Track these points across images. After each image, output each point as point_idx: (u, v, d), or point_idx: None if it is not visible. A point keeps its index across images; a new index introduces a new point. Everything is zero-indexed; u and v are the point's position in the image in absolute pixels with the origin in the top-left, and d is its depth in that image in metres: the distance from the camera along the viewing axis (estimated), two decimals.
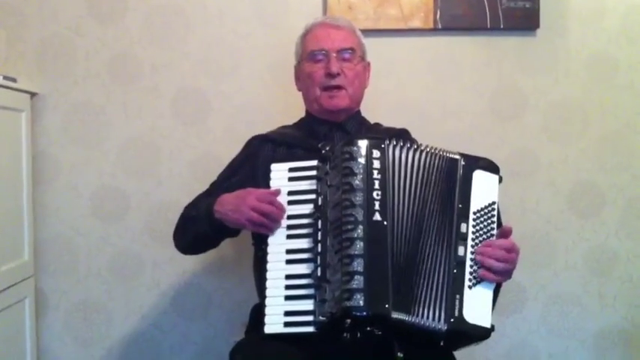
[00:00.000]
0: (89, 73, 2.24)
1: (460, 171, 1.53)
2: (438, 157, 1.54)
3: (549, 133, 2.30)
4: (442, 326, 1.43)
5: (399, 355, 1.41)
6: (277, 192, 1.57)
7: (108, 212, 2.27)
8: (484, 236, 1.50)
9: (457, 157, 1.55)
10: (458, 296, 1.45)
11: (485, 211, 1.52)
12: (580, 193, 2.30)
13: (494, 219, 1.53)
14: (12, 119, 2.10)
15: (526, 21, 2.23)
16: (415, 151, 1.54)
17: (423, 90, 2.28)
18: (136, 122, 2.26)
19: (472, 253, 1.48)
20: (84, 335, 2.28)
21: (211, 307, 2.28)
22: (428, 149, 1.55)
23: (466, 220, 1.50)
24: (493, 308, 1.51)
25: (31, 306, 2.18)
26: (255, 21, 2.26)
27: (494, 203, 1.53)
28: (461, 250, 1.48)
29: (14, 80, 2.07)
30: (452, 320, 1.43)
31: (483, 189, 1.53)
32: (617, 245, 2.31)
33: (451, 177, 1.53)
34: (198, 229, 1.68)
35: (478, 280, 1.47)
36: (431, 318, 1.42)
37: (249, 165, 1.78)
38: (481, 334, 1.46)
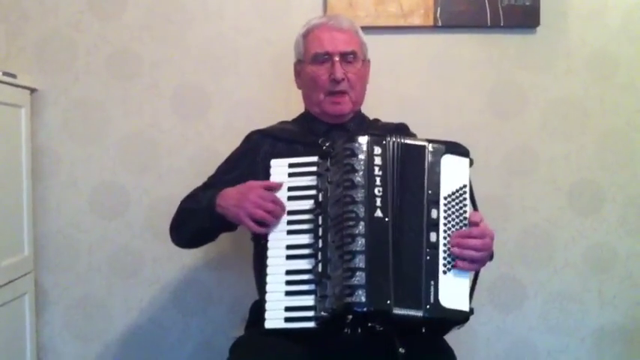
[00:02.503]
0: (89, 69, 2.24)
1: (428, 157, 1.53)
2: (409, 147, 1.54)
3: (549, 130, 2.29)
4: (419, 313, 1.43)
5: (401, 350, 1.40)
6: (279, 185, 1.57)
7: (108, 208, 2.26)
8: (456, 220, 1.51)
9: (424, 143, 1.55)
10: (432, 282, 1.45)
11: (457, 194, 1.52)
12: (580, 190, 2.30)
13: (467, 202, 1.53)
14: (12, 115, 2.09)
15: (526, 18, 2.23)
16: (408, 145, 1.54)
17: (423, 87, 2.28)
18: (136, 118, 2.25)
19: (445, 238, 1.49)
20: (84, 331, 2.28)
21: (211, 303, 2.28)
22: (403, 140, 1.54)
23: (437, 205, 1.50)
24: (473, 290, 1.51)
25: (31, 301, 2.18)
26: (255, 17, 2.25)
27: (465, 186, 1.53)
28: (433, 237, 1.48)
29: (14, 76, 2.07)
30: (428, 307, 1.43)
31: (453, 173, 1.53)
32: (617, 243, 2.31)
33: (420, 164, 1.53)
34: (198, 222, 1.68)
35: (453, 265, 1.48)
36: (410, 306, 1.42)
37: (249, 160, 1.78)
38: (459, 318, 1.46)
